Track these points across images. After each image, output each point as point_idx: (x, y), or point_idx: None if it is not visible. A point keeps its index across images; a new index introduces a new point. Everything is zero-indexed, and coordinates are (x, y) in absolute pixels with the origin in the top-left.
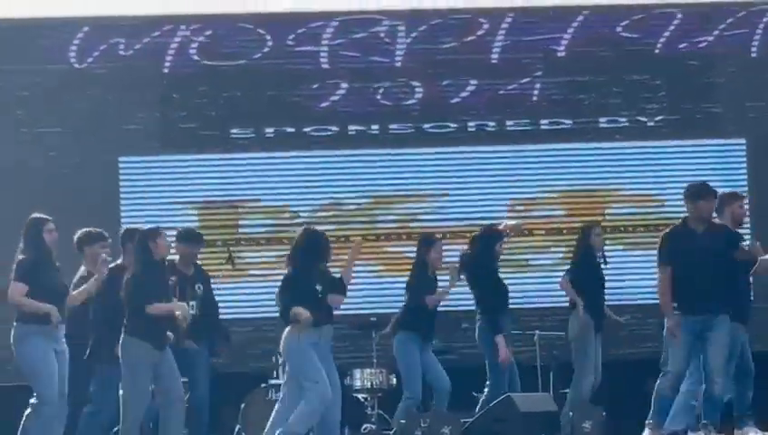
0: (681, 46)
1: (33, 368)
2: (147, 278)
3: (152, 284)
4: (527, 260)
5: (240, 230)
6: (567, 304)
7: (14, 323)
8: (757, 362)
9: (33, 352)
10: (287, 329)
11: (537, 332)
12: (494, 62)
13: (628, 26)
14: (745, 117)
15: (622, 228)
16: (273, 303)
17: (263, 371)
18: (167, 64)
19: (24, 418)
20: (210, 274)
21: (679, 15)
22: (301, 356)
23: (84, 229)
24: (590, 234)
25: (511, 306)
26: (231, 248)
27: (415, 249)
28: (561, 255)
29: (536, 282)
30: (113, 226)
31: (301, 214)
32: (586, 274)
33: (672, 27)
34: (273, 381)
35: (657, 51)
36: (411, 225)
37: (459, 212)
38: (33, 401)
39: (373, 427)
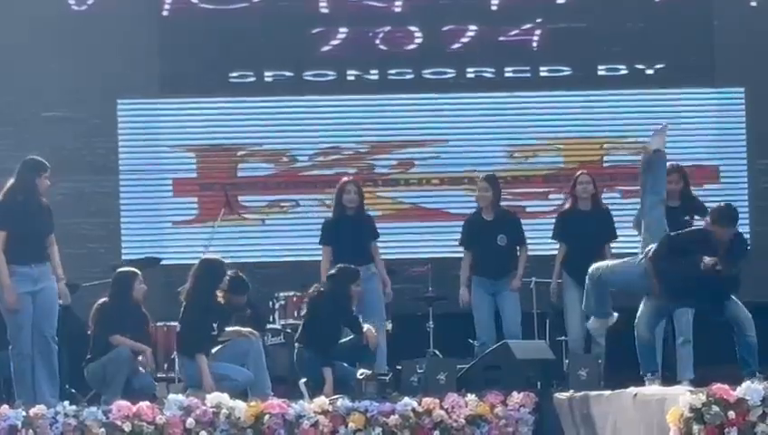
0: None
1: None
2: None
3: None
4: (524, 207)
5: (238, 174)
6: None
7: None
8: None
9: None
10: None
11: (534, 279)
12: (493, 8)
13: None
14: (744, 65)
15: (620, 176)
16: (270, 246)
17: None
18: (166, 7)
19: None
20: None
21: None
22: None
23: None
24: None
25: None
26: (229, 192)
27: (411, 195)
28: (558, 202)
29: (534, 229)
30: (112, 168)
31: (299, 158)
32: None
33: None
34: (270, 326)
35: None
36: (409, 171)
37: (457, 158)
38: None
39: (369, 372)
